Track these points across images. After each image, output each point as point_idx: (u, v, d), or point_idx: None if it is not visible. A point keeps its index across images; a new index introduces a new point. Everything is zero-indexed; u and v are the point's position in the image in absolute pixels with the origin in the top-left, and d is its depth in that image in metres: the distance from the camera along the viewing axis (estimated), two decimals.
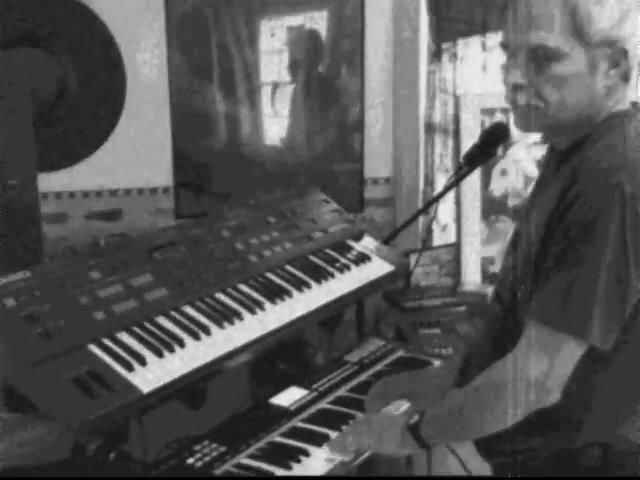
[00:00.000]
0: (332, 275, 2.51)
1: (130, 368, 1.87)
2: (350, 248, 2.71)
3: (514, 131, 2.07)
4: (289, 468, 1.91)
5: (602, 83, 1.63)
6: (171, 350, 1.97)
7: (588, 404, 1.66)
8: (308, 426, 2.12)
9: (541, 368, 1.56)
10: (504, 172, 3.63)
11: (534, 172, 3.63)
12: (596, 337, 1.54)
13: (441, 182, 3.52)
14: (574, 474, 1.68)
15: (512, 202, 3.64)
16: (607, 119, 1.67)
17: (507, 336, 1.71)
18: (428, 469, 2.98)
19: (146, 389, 1.83)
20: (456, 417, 1.72)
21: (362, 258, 2.66)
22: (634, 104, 1.74)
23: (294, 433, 2.08)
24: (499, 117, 3.55)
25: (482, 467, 1.88)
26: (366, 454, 1.96)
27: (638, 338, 1.62)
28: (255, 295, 2.29)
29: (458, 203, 3.60)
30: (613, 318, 1.55)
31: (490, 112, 3.56)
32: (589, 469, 1.67)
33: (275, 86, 3.50)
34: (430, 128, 3.55)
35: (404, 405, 2.11)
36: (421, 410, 1.81)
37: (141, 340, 1.98)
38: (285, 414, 2.17)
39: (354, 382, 2.37)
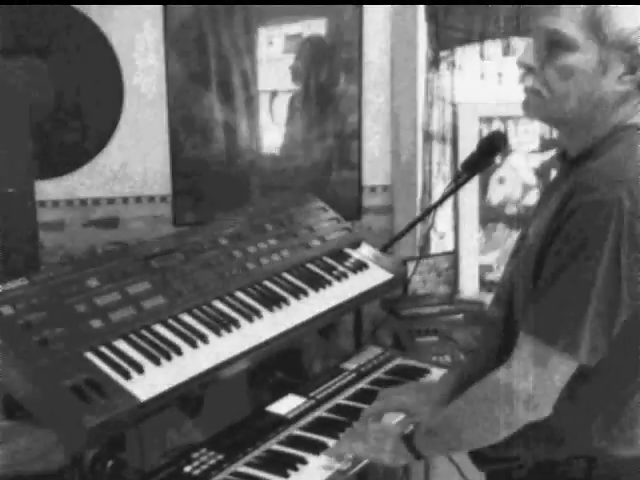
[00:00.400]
0: (330, 283, 2.50)
1: (127, 376, 1.86)
2: (348, 256, 2.71)
3: (512, 140, 2.08)
4: (286, 476, 1.91)
5: (614, 87, 1.60)
6: (169, 358, 1.96)
7: (570, 417, 1.65)
8: (306, 434, 2.11)
9: (532, 382, 1.56)
10: (502, 180, 3.63)
11: (532, 180, 3.63)
12: (584, 355, 1.54)
13: (439, 190, 3.52)
14: None
15: (510, 210, 3.64)
16: (617, 130, 1.64)
17: (504, 341, 1.71)
18: (425, 477, 2.98)
19: (143, 397, 1.82)
20: (449, 429, 1.72)
21: (360, 266, 2.66)
22: None
23: (291, 441, 2.08)
24: (497, 125, 3.55)
25: (480, 475, 1.87)
26: (364, 462, 1.95)
27: (620, 352, 1.61)
28: (253, 303, 2.29)
29: (456, 211, 3.60)
30: (601, 336, 1.54)
31: (488, 120, 3.57)
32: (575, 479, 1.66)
33: (273, 94, 3.51)
34: (428, 136, 3.55)
35: (400, 415, 2.10)
36: (416, 421, 1.81)
37: (138, 348, 1.97)
38: (282, 422, 2.16)
39: (352, 390, 2.36)
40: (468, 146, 3.40)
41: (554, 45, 1.62)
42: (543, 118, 1.73)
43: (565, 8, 1.60)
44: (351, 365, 2.52)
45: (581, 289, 1.52)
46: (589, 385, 1.62)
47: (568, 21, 1.60)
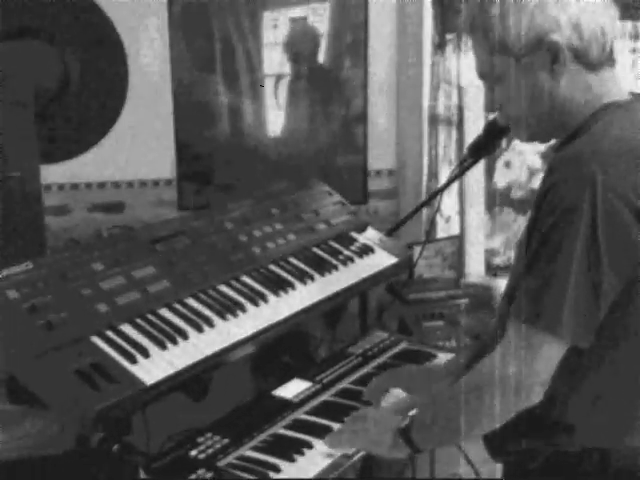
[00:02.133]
0: (335, 267, 2.50)
1: (133, 360, 1.86)
2: (353, 240, 2.70)
3: None
4: (292, 460, 1.90)
5: (555, 82, 1.61)
6: (174, 342, 1.96)
7: (581, 408, 1.63)
8: (311, 418, 2.11)
9: (520, 367, 1.53)
10: (508, 164, 3.62)
11: (538, 164, 3.61)
12: (569, 334, 1.50)
13: (445, 174, 3.50)
14: (573, 476, 1.66)
15: (516, 194, 3.63)
16: (597, 111, 1.62)
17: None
18: (431, 461, 2.98)
19: (149, 381, 1.82)
20: (442, 420, 1.70)
21: (365, 250, 2.65)
22: (636, 95, 1.69)
23: (297, 425, 2.08)
24: None
25: (486, 460, 1.87)
26: None
27: (627, 340, 1.59)
28: (258, 287, 2.28)
29: (462, 195, 3.59)
30: (587, 314, 1.51)
31: None
32: (588, 473, 1.65)
33: (278, 78, 3.49)
34: (434, 119, 3.53)
35: (402, 394, 2.10)
36: (412, 415, 1.79)
37: (144, 332, 1.97)
38: (288, 406, 2.16)
39: (357, 374, 2.36)
40: (474, 129, 3.38)
41: (492, 84, 1.68)
42: (535, 139, 1.75)
43: (474, 48, 1.67)
44: (357, 349, 2.52)
45: (559, 266, 1.49)
46: (598, 375, 1.60)
47: (481, 59, 1.67)
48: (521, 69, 1.61)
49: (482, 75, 1.71)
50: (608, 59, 1.63)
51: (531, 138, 1.74)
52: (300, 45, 3.46)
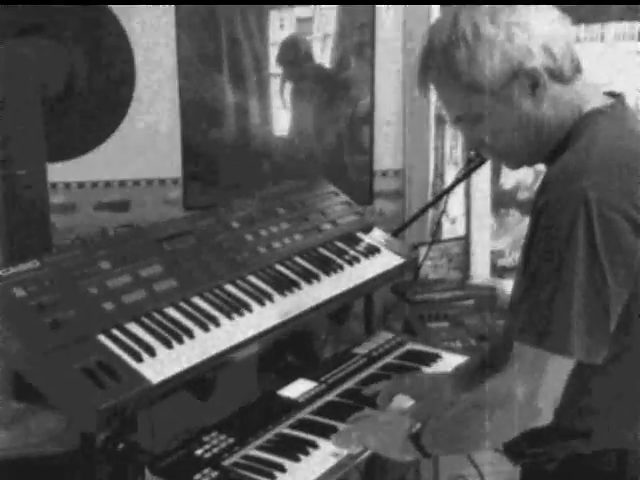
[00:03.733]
0: (341, 267, 2.50)
1: (139, 359, 1.86)
2: (359, 240, 2.70)
3: None
4: (297, 460, 1.90)
5: (537, 105, 1.61)
6: (180, 341, 1.96)
7: (593, 412, 1.62)
8: (316, 418, 2.11)
9: (528, 388, 1.52)
10: None
11: (544, 166, 3.61)
12: (580, 351, 1.49)
13: (451, 175, 3.50)
14: (591, 478, 1.66)
15: (522, 195, 3.62)
16: (579, 121, 1.63)
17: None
18: (435, 462, 2.98)
19: (155, 380, 1.82)
20: (453, 432, 1.71)
21: (371, 250, 2.65)
22: (617, 95, 1.69)
23: (302, 425, 2.08)
24: None
25: (490, 462, 1.87)
26: None
27: (634, 343, 1.58)
28: (264, 287, 2.28)
29: (468, 196, 3.59)
30: (597, 329, 1.49)
31: None
32: (605, 474, 1.64)
33: (284, 78, 3.49)
34: (440, 120, 3.53)
35: (405, 400, 2.11)
36: (424, 419, 1.79)
37: (150, 331, 1.97)
38: (293, 406, 2.16)
39: (363, 375, 2.36)
40: None
41: (470, 124, 1.67)
42: (527, 164, 1.75)
43: (444, 94, 1.67)
44: (362, 350, 2.52)
45: (563, 286, 1.48)
46: (609, 379, 1.59)
47: (456, 104, 1.66)
48: (500, 102, 1.61)
49: (457, 119, 1.70)
50: (577, 67, 1.64)
51: (521, 164, 1.75)
52: (289, 53, 3.46)
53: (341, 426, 2.03)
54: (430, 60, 1.65)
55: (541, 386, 1.52)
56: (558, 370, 1.52)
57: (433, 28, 1.68)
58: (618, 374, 1.60)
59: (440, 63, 1.63)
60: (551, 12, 1.62)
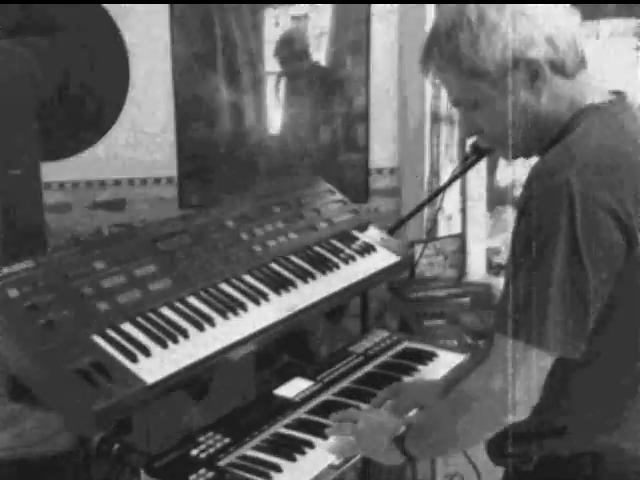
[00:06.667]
0: (337, 266, 2.49)
1: (134, 359, 1.86)
2: (355, 239, 2.69)
3: None
4: (293, 460, 1.90)
5: (536, 97, 1.60)
6: (175, 341, 1.96)
7: (570, 411, 1.61)
8: (313, 417, 2.10)
9: (505, 380, 1.51)
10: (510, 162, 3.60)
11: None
12: (556, 344, 1.48)
13: (447, 172, 3.49)
14: None
15: (518, 193, 3.61)
16: (574, 116, 1.62)
17: None
18: (432, 462, 2.98)
19: (150, 380, 1.82)
20: (432, 431, 1.69)
21: (367, 249, 2.64)
22: (618, 93, 1.68)
23: (299, 424, 2.07)
24: None
25: (487, 459, 1.86)
26: None
27: (614, 343, 1.57)
28: (259, 286, 2.28)
29: (464, 193, 3.58)
30: (575, 324, 1.48)
31: None
32: (580, 477, 1.63)
33: (279, 76, 3.48)
34: (436, 118, 3.52)
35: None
36: (409, 423, 1.79)
37: (145, 331, 1.97)
38: (290, 405, 2.16)
39: (359, 373, 2.35)
40: None
41: (469, 109, 1.66)
42: (524, 155, 1.74)
43: (445, 77, 1.66)
44: (358, 348, 2.51)
45: (541, 278, 1.47)
46: (586, 377, 1.58)
47: (456, 87, 1.65)
48: (500, 91, 1.60)
49: (457, 103, 1.69)
50: (581, 62, 1.63)
51: (517, 156, 1.73)
52: (287, 49, 3.45)
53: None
54: (433, 42, 1.64)
55: (520, 379, 1.50)
56: (535, 364, 1.50)
57: (440, 12, 1.68)
58: (595, 374, 1.59)
59: (443, 46, 1.62)
60: (560, 7, 1.61)
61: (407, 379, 2.31)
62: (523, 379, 1.51)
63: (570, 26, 1.61)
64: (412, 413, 2.06)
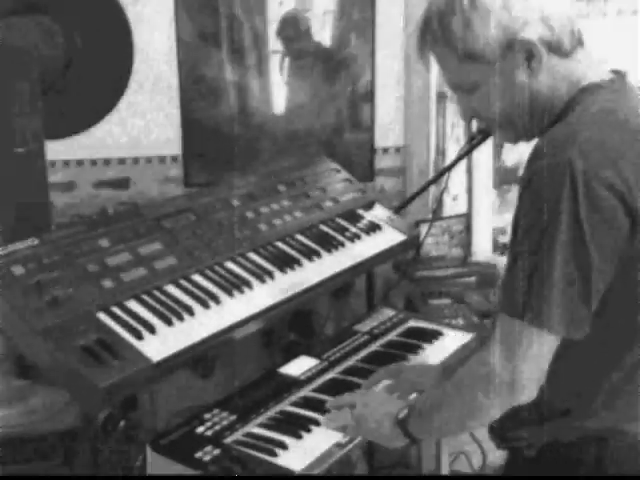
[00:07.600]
0: (342, 244, 2.49)
1: (140, 336, 1.86)
2: (360, 217, 2.68)
3: None
4: (299, 437, 1.90)
5: (533, 78, 1.58)
6: (181, 319, 1.95)
7: (572, 393, 1.60)
8: (318, 395, 2.11)
9: (511, 362, 1.49)
10: None
11: None
12: (559, 325, 1.45)
13: (452, 152, 3.48)
14: (569, 466, 1.64)
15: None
16: (575, 95, 1.60)
17: None
18: (437, 446, 2.98)
19: (156, 358, 1.82)
20: (436, 413, 1.67)
21: (373, 227, 2.64)
22: (617, 72, 1.65)
23: (304, 402, 2.07)
24: None
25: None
26: None
27: (616, 324, 1.54)
28: (265, 264, 2.27)
29: (469, 173, 3.57)
30: (579, 305, 1.46)
31: None
32: (584, 463, 1.62)
33: (284, 55, 3.46)
34: (442, 97, 3.50)
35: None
36: (410, 405, 1.77)
37: (150, 308, 1.96)
38: (295, 383, 2.16)
39: (364, 352, 2.35)
40: None
41: (466, 92, 1.64)
42: (521, 139, 1.71)
43: (441, 61, 1.65)
44: (364, 327, 2.51)
45: (542, 257, 1.45)
46: (590, 359, 1.56)
47: (452, 71, 1.63)
48: (497, 73, 1.58)
49: (454, 86, 1.68)
50: (578, 41, 1.61)
51: (518, 139, 1.71)
52: (289, 29, 3.43)
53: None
54: (427, 27, 1.63)
55: (525, 361, 1.48)
56: (540, 346, 1.48)
57: None
58: (597, 356, 1.57)
59: (436, 30, 1.61)
60: None
61: (413, 357, 2.31)
62: (529, 360, 1.49)
63: (564, 5, 1.58)
64: (412, 397, 2.05)
